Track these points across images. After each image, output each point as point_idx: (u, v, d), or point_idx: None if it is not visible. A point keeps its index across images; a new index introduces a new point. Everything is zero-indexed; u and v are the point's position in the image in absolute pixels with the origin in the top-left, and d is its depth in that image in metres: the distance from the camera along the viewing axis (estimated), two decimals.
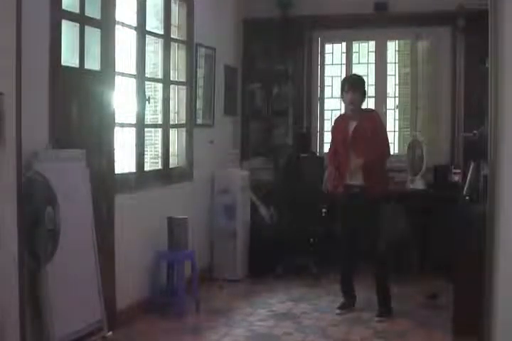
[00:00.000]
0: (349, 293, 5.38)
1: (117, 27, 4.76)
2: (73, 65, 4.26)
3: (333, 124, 5.60)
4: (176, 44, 5.90)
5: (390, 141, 5.50)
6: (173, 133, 5.88)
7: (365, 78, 6.95)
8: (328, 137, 7.28)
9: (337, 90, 7.23)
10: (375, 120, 5.31)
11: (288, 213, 6.58)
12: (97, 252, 4.30)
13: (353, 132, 5.19)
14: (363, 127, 5.18)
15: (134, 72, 5.20)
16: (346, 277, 5.40)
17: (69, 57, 4.21)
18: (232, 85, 7.03)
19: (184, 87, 6.03)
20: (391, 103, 7.11)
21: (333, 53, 7.30)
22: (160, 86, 5.66)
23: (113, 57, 4.64)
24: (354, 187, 5.16)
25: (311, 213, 6.44)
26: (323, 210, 6.42)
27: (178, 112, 5.98)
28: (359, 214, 5.15)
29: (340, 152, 5.27)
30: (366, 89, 5.40)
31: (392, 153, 5.74)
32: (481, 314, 3.65)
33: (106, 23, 4.54)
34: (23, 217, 3.51)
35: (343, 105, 7.16)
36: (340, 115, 5.70)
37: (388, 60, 7.13)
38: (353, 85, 5.25)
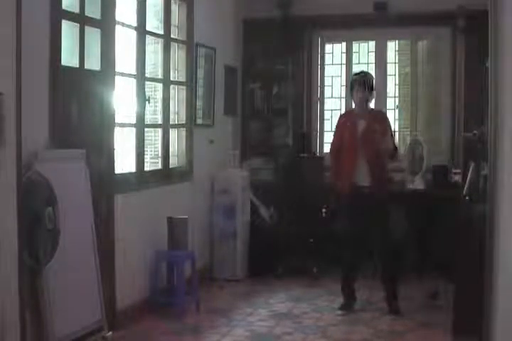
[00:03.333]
0: (351, 293, 5.36)
1: (117, 27, 4.76)
2: (73, 65, 4.26)
3: (338, 120, 5.53)
4: (176, 44, 5.90)
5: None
6: (173, 133, 5.88)
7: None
8: (328, 137, 7.31)
9: (337, 90, 7.28)
10: (385, 120, 5.37)
11: (288, 213, 6.58)
12: (97, 252, 4.30)
13: (364, 131, 5.19)
14: (373, 126, 5.16)
15: (134, 72, 5.19)
16: (349, 278, 5.38)
17: (69, 57, 4.20)
18: (232, 85, 7.02)
19: (184, 87, 6.03)
20: (391, 103, 7.10)
21: (333, 53, 7.29)
22: (160, 86, 5.66)
23: (113, 57, 4.64)
24: (363, 188, 5.15)
25: (311, 213, 6.44)
26: (323, 210, 6.42)
27: (178, 112, 5.98)
28: (370, 214, 5.13)
29: (348, 150, 5.22)
30: (374, 85, 5.39)
31: None
32: (481, 314, 3.65)
33: (106, 23, 4.54)
34: (23, 217, 3.51)
35: (343, 105, 7.22)
36: (347, 112, 5.63)
37: (388, 60, 7.12)
38: (363, 83, 5.24)
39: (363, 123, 5.21)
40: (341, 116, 5.61)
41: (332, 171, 5.46)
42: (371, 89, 5.28)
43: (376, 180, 5.14)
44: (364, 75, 5.37)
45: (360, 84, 5.23)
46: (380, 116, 5.46)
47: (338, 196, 5.37)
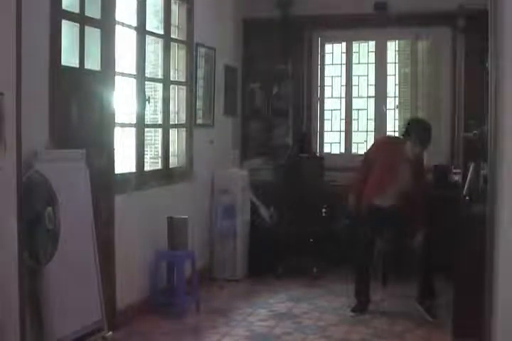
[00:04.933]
0: (365, 296, 5.34)
1: (117, 27, 4.76)
2: (73, 65, 4.26)
3: (378, 143, 5.60)
4: (176, 44, 5.90)
5: None
6: (173, 133, 5.88)
7: (365, 78, 7.13)
8: (328, 137, 7.32)
9: (337, 90, 7.27)
10: (422, 164, 5.50)
11: (288, 213, 6.58)
12: (97, 252, 4.30)
13: (404, 167, 5.22)
14: (413, 163, 5.25)
15: (134, 72, 5.19)
16: (363, 280, 5.36)
17: (69, 57, 4.20)
18: (232, 85, 7.02)
19: (184, 87, 6.03)
20: (391, 103, 7.10)
21: (333, 53, 7.30)
22: (160, 86, 5.66)
23: (113, 57, 4.63)
24: (386, 207, 5.26)
25: (311, 213, 6.44)
26: (323, 210, 6.42)
27: (178, 112, 5.98)
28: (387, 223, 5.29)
29: (382, 173, 5.24)
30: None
31: None
32: (481, 314, 3.65)
33: (106, 23, 4.54)
34: (23, 217, 3.51)
35: (343, 105, 7.22)
36: (392, 139, 5.75)
37: (388, 60, 7.12)
38: (425, 137, 5.20)
39: (407, 160, 5.22)
40: (382, 141, 5.66)
41: (357, 185, 5.43)
42: (430, 138, 5.25)
43: (401, 201, 5.24)
44: (425, 127, 5.28)
45: (421, 137, 5.18)
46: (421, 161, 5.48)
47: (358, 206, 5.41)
